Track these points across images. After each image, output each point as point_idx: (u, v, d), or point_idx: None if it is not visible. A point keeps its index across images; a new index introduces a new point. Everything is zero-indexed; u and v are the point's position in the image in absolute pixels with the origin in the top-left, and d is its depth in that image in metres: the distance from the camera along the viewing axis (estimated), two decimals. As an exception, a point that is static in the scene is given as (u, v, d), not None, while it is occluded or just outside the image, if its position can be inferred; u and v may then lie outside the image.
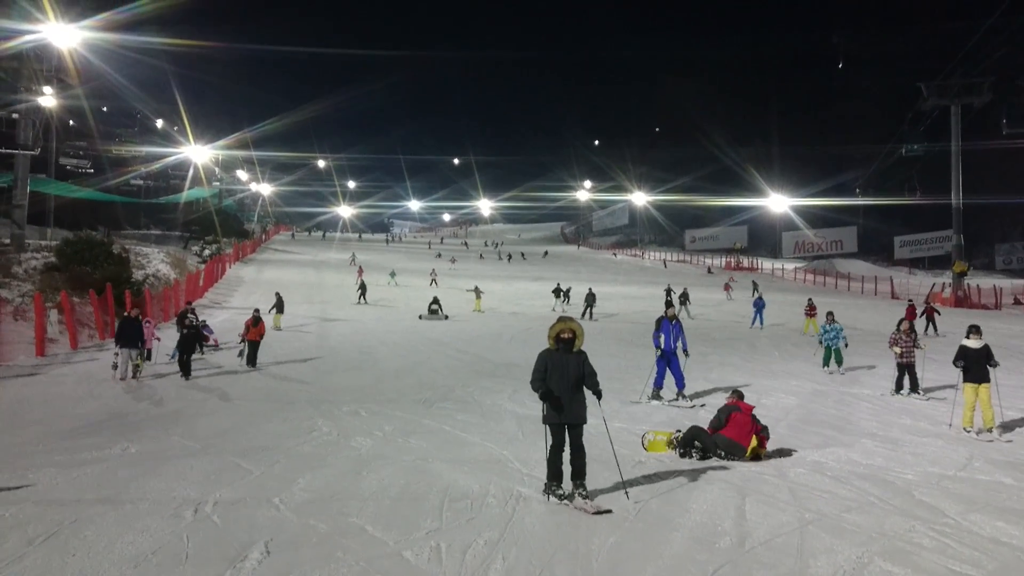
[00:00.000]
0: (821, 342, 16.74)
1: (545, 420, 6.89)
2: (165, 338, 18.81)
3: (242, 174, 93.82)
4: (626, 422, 10.52)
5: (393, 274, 45.15)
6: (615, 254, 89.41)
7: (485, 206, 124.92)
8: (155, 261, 38.95)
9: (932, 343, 22.65)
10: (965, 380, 10.50)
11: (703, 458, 8.54)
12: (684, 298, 32.54)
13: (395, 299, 36.82)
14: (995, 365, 10.42)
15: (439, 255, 69.00)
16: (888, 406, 12.46)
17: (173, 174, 75.27)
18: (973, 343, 10.61)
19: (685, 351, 12.81)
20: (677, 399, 12.42)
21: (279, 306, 25.58)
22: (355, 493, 7.10)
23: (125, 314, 16.22)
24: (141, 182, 73.02)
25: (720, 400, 10.74)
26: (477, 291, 34.12)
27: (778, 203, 79.08)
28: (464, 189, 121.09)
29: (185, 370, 15.03)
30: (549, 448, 6.85)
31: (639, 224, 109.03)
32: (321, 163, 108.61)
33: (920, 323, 24.77)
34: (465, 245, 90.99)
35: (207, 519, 6.29)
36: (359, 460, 8.41)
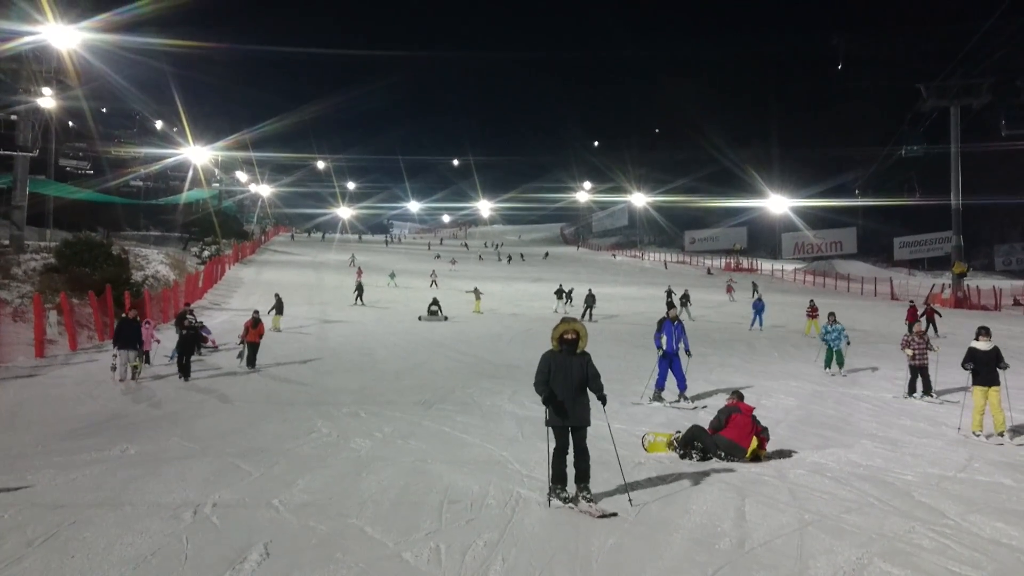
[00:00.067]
0: (824, 339, 16.60)
1: (548, 422, 6.83)
2: (164, 339, 18.81)
3: (241, 175, 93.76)
4: (626, 423, 10.51)
5: (393, 275, 45.12)
6: (614, 255, 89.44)
7: (485, 207, 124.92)
8: (154, 262, 38.94)
9: (933, 345, 22.71)
10: (974, 383, 10.28)
11: (703, 459, 8.53)
12: (685, 300, 32.50)
13: (395, 300, 36.80)
14: (1005, 367, 10.20)
15: (438, 256, 68.99)
16: (887, 407, 12.45)
17: (172, 175, 75.20)
18: (982, 345, 10.39)
19: (687, 351, 12.81)
20: (679, 401, 12.40)
21: (278, 307, 25.55)
22: (355, 494, 7.09)
23: (123, 315, 16.22)
24: (140, 183, 72.94)
25: (721, 402, 10.75)
26: (476, 292, 34.10)
27: (778, 204, 79.08)
28: (463, 190, 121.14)
29: (184, 372, 15.03)
30: (552, 451, 6.79)
31: (639, 225, 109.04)
32: (320, 164, 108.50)
33: (920, 324, 24.66)
34: (465, 246, 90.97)
35: (206, 520, 6.28)
36: (359, 462, 8.40)
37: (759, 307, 27.44)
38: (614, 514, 6.40)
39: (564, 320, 7.16)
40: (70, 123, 60.74)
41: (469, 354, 19.56)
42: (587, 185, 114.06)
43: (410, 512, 6.56)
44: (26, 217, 34.83)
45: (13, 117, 35.32)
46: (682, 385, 12.57)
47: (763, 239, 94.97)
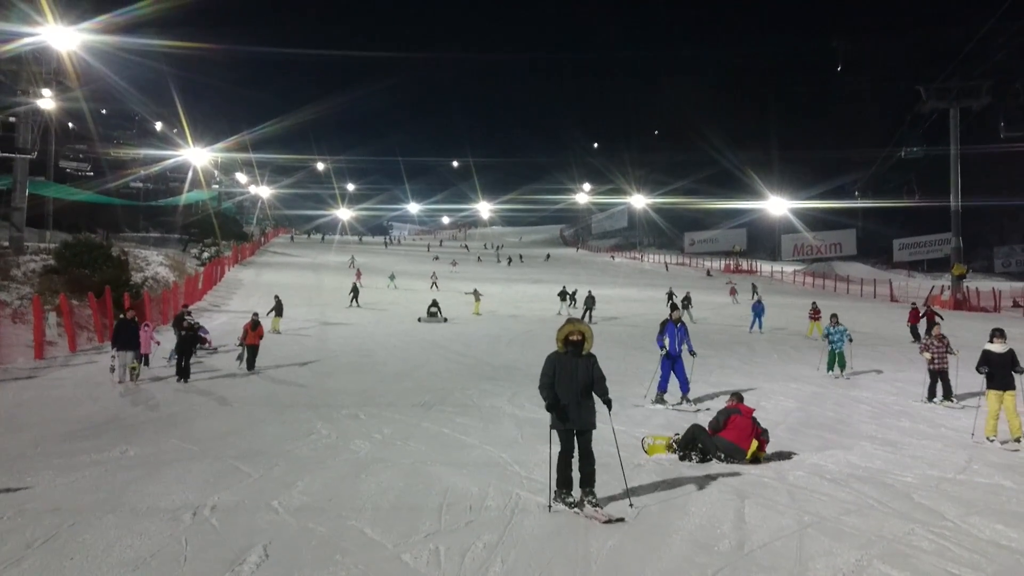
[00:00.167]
0: (827, 336, 16.44)
1: (553, 425, 6.75)
2: (164, 341, 18.79)
3: (241, 177, 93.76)
4: (625, 425, 10.51)
5: (392, 277, 45.13)
6: (613, 257, 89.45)
7: (484, 209, 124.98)
8: (154, 264, 38.95)
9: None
10: (989, 387, 10.00)
11: (703, 461, 8.53)
12: (687, 302, 32.42)
13: (394, 302, 36.79)
14: (1021, 371, 9.91)
15: (436, 258, 68.94)
16: (887, 409, 12.45)
17: (172, 177, 75.19)
18: (997, 347, 10.12)
19: (691, 352, 12.80)
20: (681, 403, 12.37)
21: (278, 309, 25.52)
22: (354, 496, 7.09)
23: (120, 316, 16.19)
24: (140, 185, 72.94)
25: (722, 404, 10.75)
26: (476, 294, 34.09)
27: (777, 206, 79.10)
28: (463, 192, 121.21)
29: (184, 373, 15.01)
30: (558, 454, 6.70)
31: (638, 227, 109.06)
32: (320, 166, 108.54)
33: (921, 326, 24.62)
34: (466, 248, 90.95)
35: (206, 522, 6.28)
36: (358, 463, 8.40)
37: (759, 310, 27.13)
38: (620, 519, 6.34)
39: (569, 321, 7.09)
40: (70, 124, 60.74)
41: (469, 356, 19.56)
42: (586, 187, 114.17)
43: (409, 514, 6.56)
44: (25, 218, 34.83)
45: (12, 119, 35.33)
46: (685, 387, 12.55)
47: (763, 241, 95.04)
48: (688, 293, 35.56)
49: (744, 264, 76.56)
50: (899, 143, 53.26)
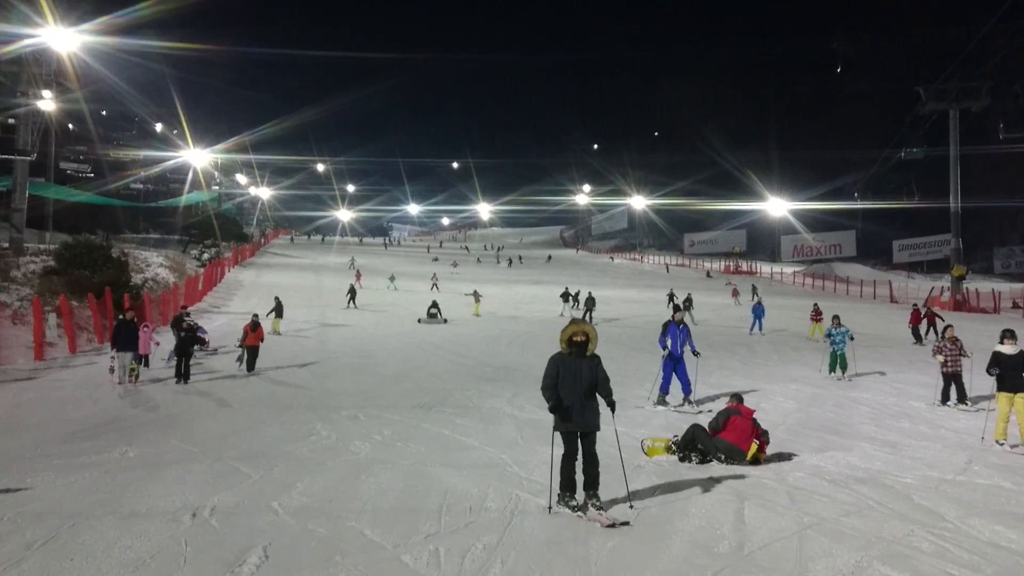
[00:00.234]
0: (830, 336, 16.34)
1: (556, 427, 6.67)
2: (163, 342, 18.78)
3: (241, 178, 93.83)
4: (625, 426, 10.48)
5: (393, 278, 45.12)
6: (612, 258, 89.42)
7: (484, 210, 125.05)
8: (154, 265, 38.94)
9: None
10: (999, 389, 9.86)
11: (703, 462, 8.52)
12: (688, 303, 32.35)
13: (394, 303, 36.79)
14: None
15: (436, 259, 68.86)
16: (887, 410, 12.44)
17: (172, 178, 75.23)
18: (1008, 349, 9.95)
19: (695, 352, 12.79)
20: (683, 404, 12.35)
21: (278, 310, 25.52)
22: (354, 497, 7.09)
23: (120, 317, 16.19)
24: (140, 186, 72.95)
25: (723, 405, 10.74)
26: (476, 295, 34.08)
27: (777, 207, 79.16)
28: (463, 193, 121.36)
29: (184, 375, 15.01)
30: (561, 457, 6.64)
31: (638, 228, 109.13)
32: (320, 167, 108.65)
33: (921, 327, 24.63)
34: (466, 249, 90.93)
35: (205, 523, 6.28)
36: (358, 464, 8.40)
37: (759, 311, 26.92)
38: (626, 523, 6.28)
39: (573, 321, 7.05)
40: (70, 126, 60.78)
41: (469, 357, 19.56)
42: (586, 188, 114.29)
43: (409, 515, 6.56)
44: (26, 220, 34.84)
45: (11, 121, 35.35)
46: (687, 389, 12.52)
47: (762, 242, 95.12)
48: (689, 294, 35.52)
49: (744, 265, 76.59)
50: (899, 144, 53.30)
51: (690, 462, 8.55)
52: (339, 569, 5.33)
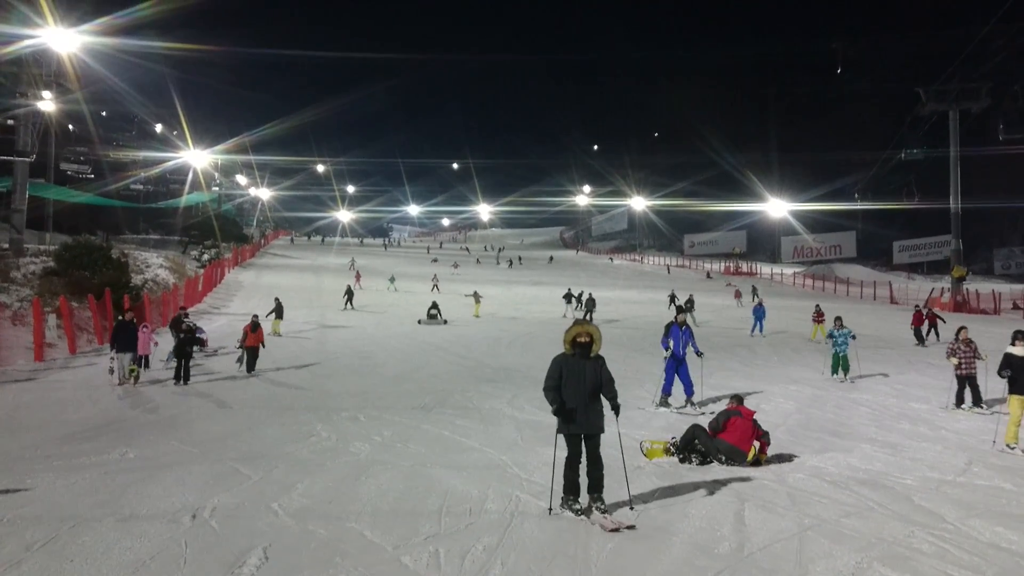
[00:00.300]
0: (832, 337, 16.22)
1: (559, 429, 6.61)
2: (163, 343, 18.79)
3: (241, 179, 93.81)
4: (625, 427, 10.40)
5: (393, 279, 45.11)
6: (611, 259, 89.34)
7: (484, 211, 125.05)
8: (154, 266, 38.94)
9: (936, 349, 22.68)
10: (1011, 392, 9.69)
11: (703, 463, 8.52)
12: (689, 304, 32.28)
13: (394, 304, 36.79)
14: None
15: (436, 260, 68.74)
16: (887, 411, 12.44)
17: (172, 179, 75.19)
18: (1019, 350, 9.80)
19: (697, 352, 12.76)
20: (685, 406, 12.32)
21: (278, 311, 25.51)
22: (354, 498, 7.08)
23: (119, 318, 16.19)
24: (140, 187, 72.92)
25: (724, 407, 10.74)
26: (476, 296, 34.08)
27: (777, 208, 79.18)
28: (463, 194, 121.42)
29: (184, 376, 15.00)
30: (564, 459, 6.57)
31: (638, 229, 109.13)
32: (320, 168, 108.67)
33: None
34: (466, 250, 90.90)
35: (205, 524, 6.28)
36: (358, 465, 8.40)
37: (759, 313, 26.63)
38: (631, 527, 6.21)
39: (577, 322, 6.99)
40: (70, 126, 60.78)
41: (469, 358, 19.56)
42: (586, 189, 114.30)
43: (409, 516, 6.55)
44: (26, 220, 34.84)
45: (10, 122, 35.36)
46: (689, 390, 12.50)
47: (762, 243, 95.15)
48: (691, 295, 35.48)
49: (744, 266, 76.56)
50: (899, 145, 53.27)
51: (690, 463, 8.54)
52: (339, 570, 5.33)
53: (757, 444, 8.67)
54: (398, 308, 34.76)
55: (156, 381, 15.36)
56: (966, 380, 12.45)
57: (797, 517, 6.61)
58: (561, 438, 6.64)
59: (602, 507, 6.42)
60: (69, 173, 61.96)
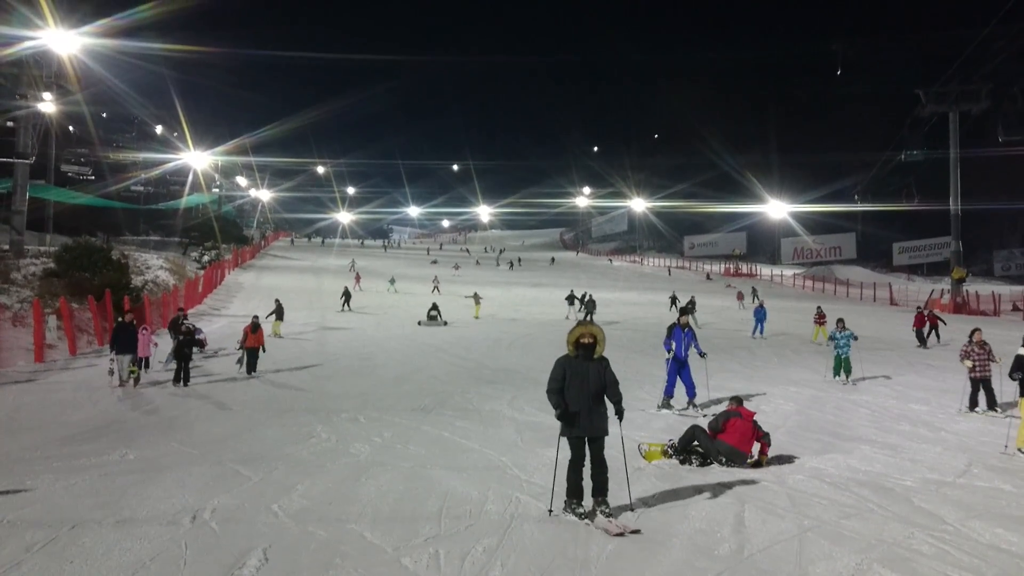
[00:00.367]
0: (833, 339, 16.05)
1: (563, 432, 6.54)
2: (163, 344, 18.78)
3: (241, 180, 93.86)
4: (625, 428, 10.36)
5: (393, 281, 45.10)
6: (611, 260, 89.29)
7: (484, 212, 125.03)
8: (154, 267, 38.96)
9: (936, 351, 22.70)
10: (1023, 395, 9.64)
11: (703, 465, 8.51)
12: (691, 306, 32.21)
13: (394, 305, 36.79)
14: None
15: (435, 262, 68.62)
16: (887, 412, 12.43)
17: (172, 180, 75.30)
18: None
19: (700, 353, 12.74)
20: (687, 408, 12.28)
21: (279, 313, 25.51)
22: (354, 499, 7.08)
23: (119, 319, 16.19)
24: (141, 188, 73.02)
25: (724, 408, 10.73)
26: (476, 297, 34.08)
27: (777, 209, 79.22)
28: (463, 195, 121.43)
29: (184, 378, 15.00)
30: (568, 462, 6.51)
31: (638, 230, 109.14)
32: (320, 169, 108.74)
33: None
34: (467, 252, 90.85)
35: (205, 526, 6.28)
36: (358, 467, 8.40)
37: (760, 315, 26.31)
38: (636, 531, 6.15)
39: (580, 323, 6.94)
40: (70, 128, 60.84)
41: (468, 359, 19.56)
42: (586, 190, 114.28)
43: (409, 517, 6.55)
44: (26, 222, 34.86)
45: (10, 124, 35.40)
46: (691, 392, 12.46)
47: (762, 244, 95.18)
48: (693, 297, 35.41)
49: (744, 268, 76.55)
50: (899, 147, 53.37)
51: (691, 465, 8.53)
52: (339, 572, 5.33)
53: (758, 445, 8.67)
54: (398, 309, 34.75)
55: (156, 383, 15.36)
56: (980, 383, 12.24)
57: (797, 518, 6.61)
58: (564, 440, 6.61)
59: (606, 511, 6.34)
60: (70, 175, 62.05)
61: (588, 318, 29.63)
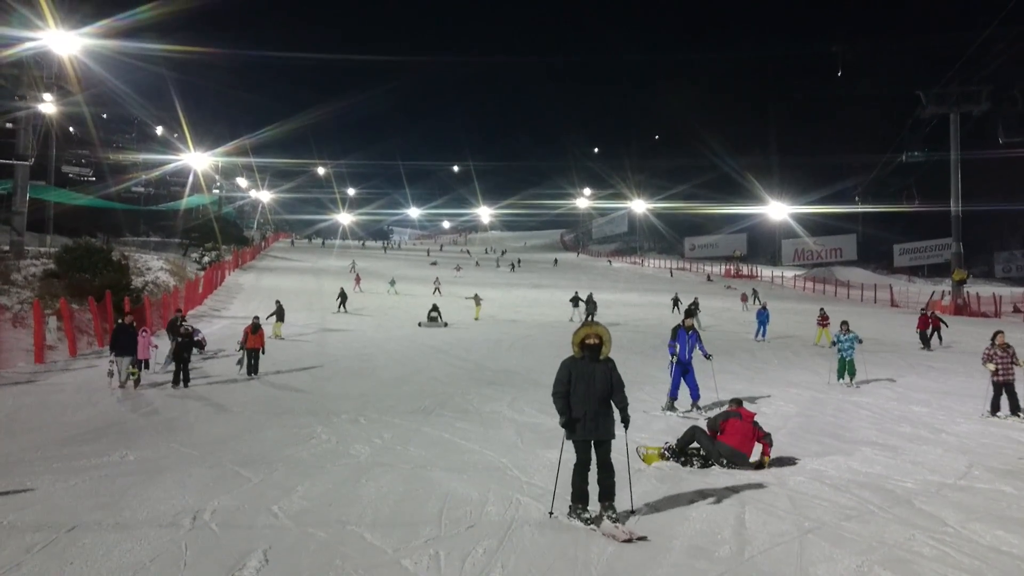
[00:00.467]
0: (835, 343, 15.86)
1: (568, 435, 6.41)
2: (163, 345, 18.78)
3: (242, 181, 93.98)
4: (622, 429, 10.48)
5: (393, 282, 45.09)
6: (610, 261, 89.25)
7: (485, 213, 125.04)
8: (154, 268, 38.96)
9: (938, 353, 22.70)
10: None
11: (704, 466, 8.50)
12: (694, 307, 32.15)
13: (394, 306, 36.79)
14: None
15: (435, 263, 68.54)
16: (887, 414, 12.42)
17: (173, 181, 75.36)
18: None
19: (706, 355, 12.73)
20: (691, 410, 12.25)
21: (279, 314, 25.51)
22: (354, 501, 7.08)
23: (119, 321, 16.19)
24: (141, 189, 73.07)
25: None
26: (477, 298, 34.07)
27: (777, 211, 79.24)
28: (464, 196, 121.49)
29: (184, 379, 14.99)
30: (573, 466, 6.41)
31: (639, 232, 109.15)
32: (320, 170, 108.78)
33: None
34: (467, 253, 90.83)
35: (205, 527, 6.27)
36: (358, 468, 8.39)
37: (763, 317, 25.97)
38: (643, 538, 6.05)
39: (586, 323, 6.87)
40: (71, 129, 60.89)
41: (469, 360, 19.55)
42: (587, 191, 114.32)
43: (409, 519, 6.55)
44: (26, 223, 34.87)
45: (9, 125, 35.43)
46: (695, 395, 12.43)
47: (763, 246, 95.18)
48: (696, 299, 35.35)
49: (744, 269, 76.56)
50: (899, 148, 53.36)
51: (692, 466, 8.52)
52: (339, 573, 5.32)
53: (759, 447, 8.65)
54: (398, 311, 34.76)
55: (156, 384, 15.36)
56: (1003, 387, 11.96)
57: (797, 520, 6.60)
58: (567, 442, 6.55)
59: (613, 516, 6.21)
60: (71, 176, 62.09)
61: (590, 318, 29.65)
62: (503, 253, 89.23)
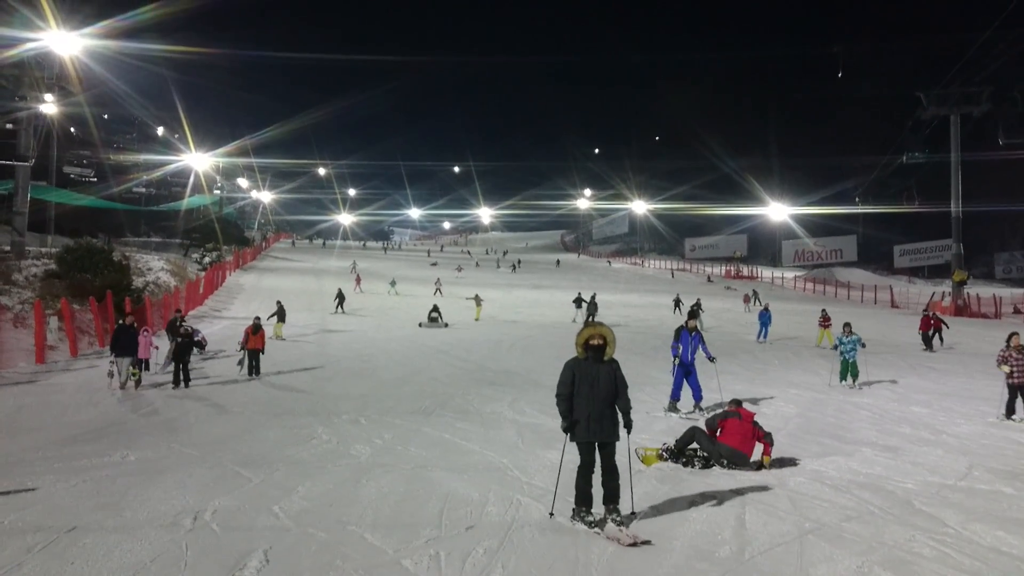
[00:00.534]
0: (837, 346, 15.80)
1: (572, 437, 6.35)
2: (163, 346, 18.79)
3: (243, 182, 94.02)
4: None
5: (393, 283, 45.08)
6: (609, 262, 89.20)
7: (485, 214, 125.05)
8: (155, 268, 38.97)
9: (940, 354, 22.69)
10: None
11: (705, 467, 8.50)
12: (696, 308, 32.06)
13: (395, 307, 36.78)
14: None
15: (435, 264, 68.48)
16: (887, 415, 12.42)
17: (174, 181, 75.39)
18: None
19: (709, 357, 12.72)
20: (693, 412, 12.23)
21: (280, 315, 25.50)
22: (354, 501, 7.08)
23: (120, 322, 16.20)
24: (142, 189, 73.11)
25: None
26: (477, 299, 34.07)
27: (778, 212, 79.19)
28: (464, 197, 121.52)
29: (184, 379, 15.00)
30: (577, 469, 6.36)
31: (639, 232, 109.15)
32: (321, 171, 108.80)
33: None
34: (468, 253, 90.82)
35: (206, 527, 6.28)
36: (358, 468, 8.40)
37: (765, 319, 25.85)
38: (647, 542, 6.00)
39: (589, 324, 6.84)
40: (72, 129, 60.93)
41: (469, 361, 19.55)
42: (587, 192, 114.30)
43: (410, 519, 6.55)
44: (27, 223, 34.89)
45: (9, 126, 35.45)
46: (697, 396, 12.42)
47: (763, 247, 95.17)
48: (698, 300, 35.31)
49: (745, 270, 76.54)
50: (900, 149, 53.32)
51: (692, 467, 8.52)
52: (340, 573, 5.33)
53: (760, 447, 8.65)
54: (399, 311, 34.76)
55: (156, 384, 15.37)
56: (1018, 390, 11.79)
57: (798, 521, 6.60)
58: (569, 443, 6.53)
59: (617, 519, 6.14)
60: (72, 176, 62.11)
61: (591, 319, 29.65)
62: (504, 254, 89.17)
